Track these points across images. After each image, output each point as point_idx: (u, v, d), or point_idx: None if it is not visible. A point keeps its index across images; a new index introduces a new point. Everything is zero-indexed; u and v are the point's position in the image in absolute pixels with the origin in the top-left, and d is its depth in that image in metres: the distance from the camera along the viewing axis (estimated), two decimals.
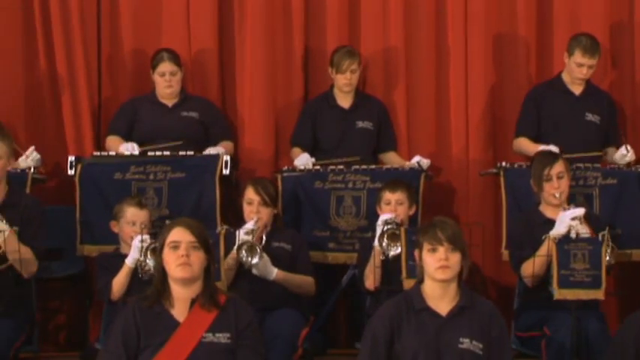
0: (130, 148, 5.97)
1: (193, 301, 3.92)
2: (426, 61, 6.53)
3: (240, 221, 5.68)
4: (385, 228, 5.24)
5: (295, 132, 6.31)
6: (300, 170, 5.96)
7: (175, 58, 6.20)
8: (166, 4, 6.55)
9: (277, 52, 6.50)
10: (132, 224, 5.31)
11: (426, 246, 3.95)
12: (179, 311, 3.92)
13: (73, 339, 6.34)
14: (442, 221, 4.04)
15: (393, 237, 5.21)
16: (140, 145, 6.02)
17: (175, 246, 3.90)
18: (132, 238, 5.23)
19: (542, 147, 5.89)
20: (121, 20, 6.55)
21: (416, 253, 4.04)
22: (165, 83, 6.18)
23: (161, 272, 3.95)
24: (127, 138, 6.16)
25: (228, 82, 6.58)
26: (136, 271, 5.14)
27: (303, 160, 6.00)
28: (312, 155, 6.22)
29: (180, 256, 3.87)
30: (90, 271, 6.19)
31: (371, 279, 5.31)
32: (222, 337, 3.87)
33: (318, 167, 5.99)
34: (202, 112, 6.24)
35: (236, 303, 3.98)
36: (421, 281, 4.01)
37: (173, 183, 5.83)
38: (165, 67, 6.16)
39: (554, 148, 5.82)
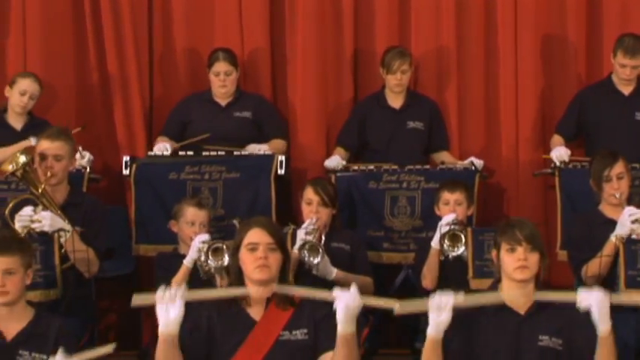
0: (162, 148, 5.99)
1: (269, 300, 3.92)
2: (476, 60, 6.54)
3: (291, 220, 5.72)
4: (447, 229, 5.22)
5: (341, 132, 6.32)
6: (354, 170, 5.97)
7: (231, 58, 6.22)
8: (218, 2, 6.58)
9: (328, 52, 6.51)
10: (191, 224, 5.32)
11: (505, 246, 3.94)
12: (256, 310, 3.92)
13: (123, 338, 6.34)
14: (520, 221, 4.03)
15: (454, 238, 5.20)
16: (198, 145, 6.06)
17: (253, 248, 3.89)
18: (191, 239, 5.24)
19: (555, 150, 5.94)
20: (173, 19, 6.60)
21: (493, 253, 4.03)
22: (220, 83, 6.20)
23: (237, 272, 3.95)
24: (179, 139, 6.18)
25: (280, 81, 6.60)
26: (196, 272, 5.15)
27: (334, 163, 6.01)
28: (362, 156, 6.26)
29: (259, 258, 3.87)
30: (140, 271, 6.23)
31: (429, 279, 5.31)
32: (300, 334, 3.87)
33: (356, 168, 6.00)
34: (256, 111, 6.26)
35: (312, 300, 3.98)
36: (498, 281, 4.01)
37: (228, 183, 5.84)
38: (221, 66, 6.18)
39: (564, 152, 5.87)
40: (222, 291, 4.31)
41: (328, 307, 3.87)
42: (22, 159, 5.05)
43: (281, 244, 3.94)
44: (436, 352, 3.85)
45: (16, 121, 6.11)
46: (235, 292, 3.94)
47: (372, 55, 6.53)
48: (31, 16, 6.48)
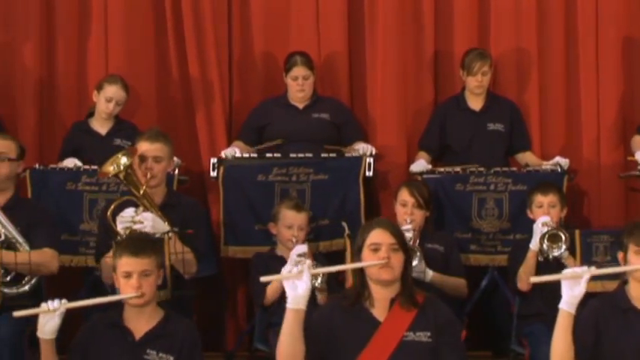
0: (231, 152, 6.00)
1: (393, 301, 3.94)
2: (556, 61, 6.53)
3: None
4: (546, 229, 5.22)
5: (422, 136, 6.33)
6: (440, 172, 5.97)
7: (309, 62, 6.24)
8: (295, 6, 6.60)
9: (407, 55, 6.51)
10: (289, 227, 5.33)
11: (632, 247, 3.94)
12: (379, 311, 3.94)
13: (206, 340, 6.35)
14: None
15: (554, 238, 5.20)
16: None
17: (376, 248, 3.92)
18: (289, 241, 5.26)
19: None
20: (251, 23, 6.62)
21: (620, 255, 4.03)
22: (298, 87, 6.21)
23: (360, 272, 3.97)
24: (255, 143, 6.20)
25: (358, 84, 6.61)
26: None
27: (419, 167, 6.02)
28: (443, 158, 6.26)
29: (382, 259, 3.89)
30: (224, 272, 6.25)
31: (525, 280, 5.30)
32: (423, 336, 3.89)
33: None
34: (333, 114, 6.27)
35: (434, 302, 4.00)
36: (625, 282, 4.01)
37: (316, 184, 5.86)
38: (299, 71, 6.19)
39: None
40: None
41: (449, 313, 3.91)
42: (124, 160, 5.07)
43: (403, 244, 3.96)
44: (568, 331, 3.82)
45: (102, 126, 6.14)
46: None
47: (452, 56, 6.54)
48: (112, 18, 6.52)
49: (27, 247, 4.90)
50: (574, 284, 3.82)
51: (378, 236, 3.94)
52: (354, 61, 6.61)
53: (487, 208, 5.87)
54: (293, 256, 5.11)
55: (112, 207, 5.06)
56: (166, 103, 6.62)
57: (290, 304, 3.81)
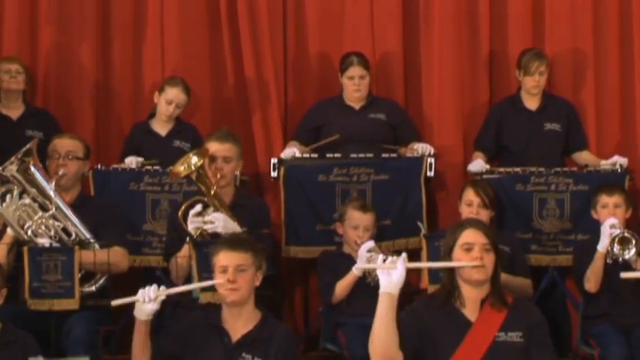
0: (291, 153, 5.99)
1: (483, 301, 3.94)
2: (612, 61, 6.52)
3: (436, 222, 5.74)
4: (617, 232, 5.21)
5: (479, 136, 6.32)
6: (500, 172, 5.97)
7: (365, 62, 6.23)
8: (350, 7, 6.60)
9: (463, 55, 6.52)
10: (355, 228, 5.33)
11: None
12: (470, 311, 3.94)
13: None
14: None
15: (624, 241, 5.20)
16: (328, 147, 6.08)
17: (469, 248, 3.93)
18: (355, 242, 5.26)
19: None
20: (307, 23, 6.62)
21: None
22: (354, 87, 6.21)
23: (450, 272, 3.97)
24: (311, 143, 6.20)
25: (413, 84, 6.61)
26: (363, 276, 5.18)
27: (478, 167, 6.00)
28: (498, 158, 6.26)
29: (475, 259, 3.89)
30: (280, 271, 6.25)
31: (593, 282, 5.29)
32: (515, 336, 3.89)
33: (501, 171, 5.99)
34: (390, 114, 6.26)
35: (524, 303, 4.01)
36: None
37: (377, 185, 5.86)
38: (355, 71, 6.19)
39: None
40: None
41: (539, 314, 3.92)
42: (194, 160, 5.08)
43: (495, 244, 3.97)
44: None
45: (162, 128, 6.15)
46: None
47: (506, 57, 6.55)
48: (168, 19, 6.52)
49: (97, 246, 4.92)
50: None
51: (470, 236, 3.94)
52: (409, 62, 6.61)
53: (548, 208, 5.86)
54: (363, 252, 5.12)
55: (183, 207, 5.08)
56: (221, 104, 6.62)
57: (384, 289, 3.81)
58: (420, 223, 5.29)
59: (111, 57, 6.55)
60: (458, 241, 3.95)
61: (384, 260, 3.86)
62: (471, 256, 3.91)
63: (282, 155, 5.98)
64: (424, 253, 5.08)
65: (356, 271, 5.15)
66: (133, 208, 5.72)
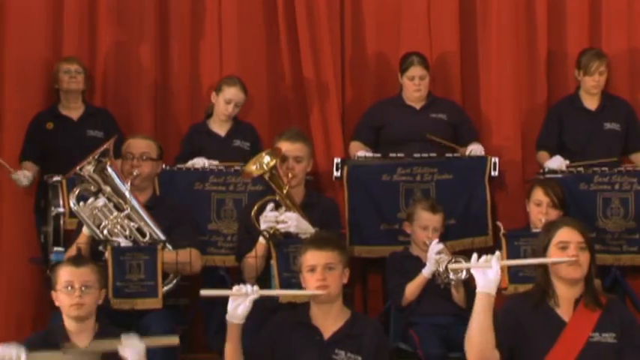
0: (363, 154, 6.01)
1: (577, 301, 3.94)
2: None
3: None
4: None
5: (541, 135, 6.30)
6: (562, 172, 5.95)
7: (425, 62, 6.23)
8: (407, 6, 6.59)
9: (521, 54, 6.50)
10: (424, 228, 5.32)
11: None
12: (564, 310, 3.94)
13: None
14: None
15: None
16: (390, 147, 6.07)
17: (564, 247, 3.93)
18: (424, 243, 5.25)
19: None
20: (364, 22, 6.61)
21: None
22: (415, 87, 6.20)
23: (544, 271, 3.97)
24: (372, 143, 6.20)
25: (470, 84, 6.60)
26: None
27: (557, 163, 5.98)
28: None
29: (571, 257, 3.89)
30: None
31: None
32: (609, 337, 3.89)
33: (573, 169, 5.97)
34: (450, 114, 6.26)
35: (617, 303, 4.01)
36: None
37: (441, 184, 5.85)
38: (415, 71, 6.18)
39: None
40: None
41: (632, 314, 3.94)
42: (267, 160, 5.08)
43: (589, 243, 3.97)
44: None
45: (221, 128, 6.15)
46: None
47: (564, 56, 6.54)
48: (226, 19, 6.53)
49: (169, 247, 4.93)
50: None
51: (566, 234, 3.94)
52: (466, 61, 6.60)
53: (612, 207, 5.84)
54: (432, 255, 5.11)
55: (256, 207, 5.08)
56: (278, 104, 6.62)
57: (482, 289, 3.81)
58: (499, 223, 5.26)
59: (169, 57, 6.57)
60: (553, 240, 3.95)
61: (478, 259, 3.85)
62: (567, 254, 3.91)
63: (355, 157, 5.99)
64: (504, 253, 5.05)
65: (426, 274, 5.13)
66: (198, 208, 5.70)
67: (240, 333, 4.08)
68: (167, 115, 6.56)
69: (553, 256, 3.94)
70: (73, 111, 6.20)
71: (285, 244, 4.82)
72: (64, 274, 4.11)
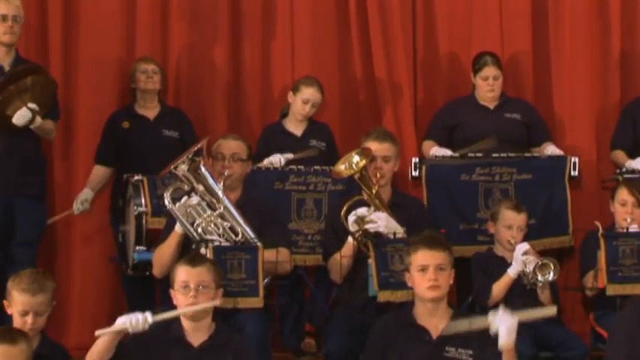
0: (443, 153, 6.00)
1: None
2: None
3: None
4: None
5: (616, 134, 6.28)
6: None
7: (498, 62, 6.21)
8: (479, 6, 6.58)
9: (594, 54, 6.48)
10: (508, 228, 5.30)
11: None
12: None
13: None
14: None
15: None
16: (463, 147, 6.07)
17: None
18: (508, 242, 5.23)
19: None
20: (436, 23, 6.62)
21: None
22: (488, 87, 6.19)
23: None
24: (446, 142, 6.19)
25: (542, 83, 6.58)
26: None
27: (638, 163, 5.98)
28: (633, 157, 6.22)
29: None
30: None
31: None
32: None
33: None
34: (524, 114, 6.24)
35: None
36: None
37: (520, 184, 5.83)
38: (489, 71, 6.17)
39: None
40: None
41: None
42: (356, 159, 5.08)
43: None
44: None
45: (297, 128, 6.16)
46: None
47: (637, 55, 6.52)
48: (298, 20, 6.56)
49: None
50: None
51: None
52: (538, 61, 6.59)
53: None
54: (518, 256, 5.10)
55: (345, 207, 5.07)
56: (350, 104, 6.63)
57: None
58: (596, 222, 5.23)
59: (241, 57, 6.57)
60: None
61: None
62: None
63: (432, 155, 5.99)
64: (602, 253, 5.04)
65: (512, 274, 5.12)
66: (279, 207, 5.69)
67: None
68: (239, 116, 6.57)
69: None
70: (150, 110, 6.21)
71: (383, 243, 4.81)
72: (181, 274, 4.12)
